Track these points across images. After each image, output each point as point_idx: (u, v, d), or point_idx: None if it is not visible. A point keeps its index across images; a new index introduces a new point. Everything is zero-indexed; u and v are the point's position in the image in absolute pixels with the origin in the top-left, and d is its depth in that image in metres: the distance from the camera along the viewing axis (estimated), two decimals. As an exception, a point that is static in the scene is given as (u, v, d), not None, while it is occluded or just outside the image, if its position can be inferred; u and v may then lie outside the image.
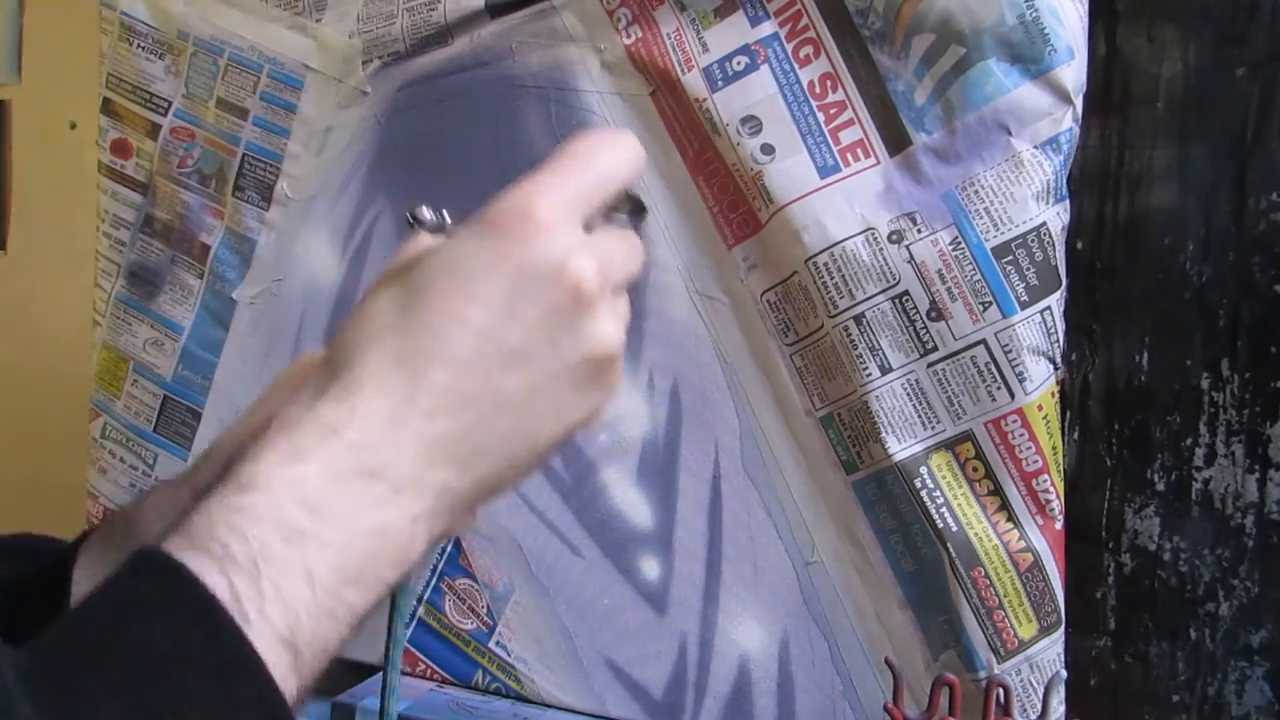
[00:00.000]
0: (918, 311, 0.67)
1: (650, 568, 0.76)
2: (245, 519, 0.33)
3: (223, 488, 0.34)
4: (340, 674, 0.85)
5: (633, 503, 0.77)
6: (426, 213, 0.40)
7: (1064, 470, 0.67)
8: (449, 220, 0.40)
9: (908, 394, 0.67)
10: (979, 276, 0.65)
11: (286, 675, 0.33)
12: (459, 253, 0.38)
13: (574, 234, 0.38)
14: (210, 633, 0.32)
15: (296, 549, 0.34)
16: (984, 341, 0.65)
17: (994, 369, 0.65)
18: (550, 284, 0.37)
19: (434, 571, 0.83)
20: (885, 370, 0.67)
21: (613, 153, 0.41)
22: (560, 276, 0.37)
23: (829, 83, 0.68)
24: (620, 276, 0.41)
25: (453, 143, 0.80)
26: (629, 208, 0.44)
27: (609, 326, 0.39)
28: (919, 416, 0.67)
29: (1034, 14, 0.62)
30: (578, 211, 0.39)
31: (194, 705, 0.31)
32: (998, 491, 0.66)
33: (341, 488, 0.35)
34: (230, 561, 0.33)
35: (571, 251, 0.37)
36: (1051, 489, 0.66)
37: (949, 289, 0.66)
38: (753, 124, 0.69)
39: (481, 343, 0.37)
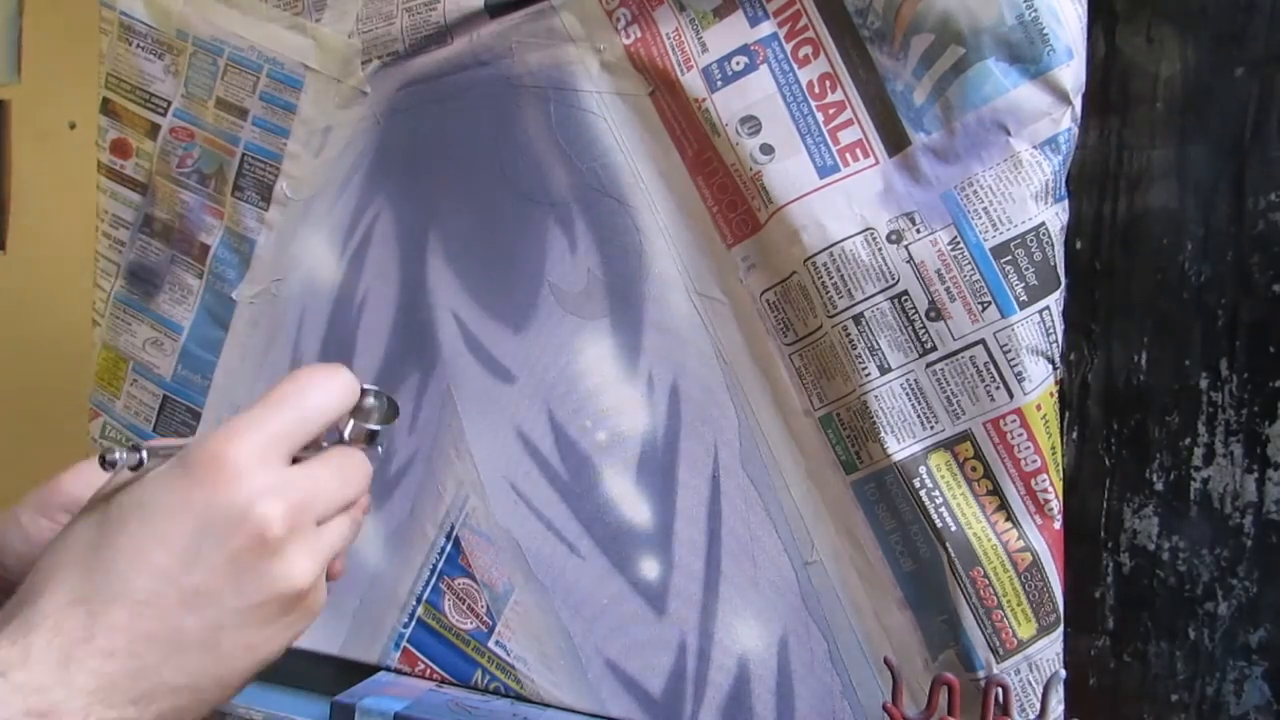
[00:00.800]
0: (916, 311, 0.67)
1: (649, 567, 0.77)
2: None
3: None
4: (340, 674, 0.85)
5: (632, 502, 0.77)
6: (119, 454, 0.40)
7: (1063, 470, 0.67)
8: (145, 456, 0.40)
9: (907, 394, 0.67)
10: (978, 276, 0.65)
11: None
12: (152, 493, 0.39)
13: (265, 477, 0.40)
14: None
15: None
16: (983, 341, 0.65)
17: (993, 369, 0.65)
18: (234, 528, 0.39)
19: (433, 571, 0.83)
20: (884, 370, 0.68)
21: (317, 392, 0.43)
22: (244, 521, 0.39)
23: (828, 83, 0.68)
24: (325, 508, 0.42)
25: (452, 142, 0.80)
26: (380, 416, 0.47)
27: (299, 566, 0.40)
28: (918, 416, 0.67)
29: (1033, 14, 0.63)
30: (276, 452, 0.41)
31: None
32: (996, 491, 0.66)
33: None
34: None
35: (258, 496, 0.39)
36: (1050, 489, 0.66)
37: (948, 289, 0.66)
38: (752, 124, 0.70)
39: (162, 584, 0.38)
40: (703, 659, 0.75)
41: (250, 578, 0.39)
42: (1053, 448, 0.66)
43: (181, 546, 0.38)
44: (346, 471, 0.44)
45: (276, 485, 0.40)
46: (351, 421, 0.46)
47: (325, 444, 0.45)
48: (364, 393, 0.47)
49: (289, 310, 0.87)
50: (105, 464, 0.40)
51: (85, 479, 0.50)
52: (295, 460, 0.43)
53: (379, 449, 0.48)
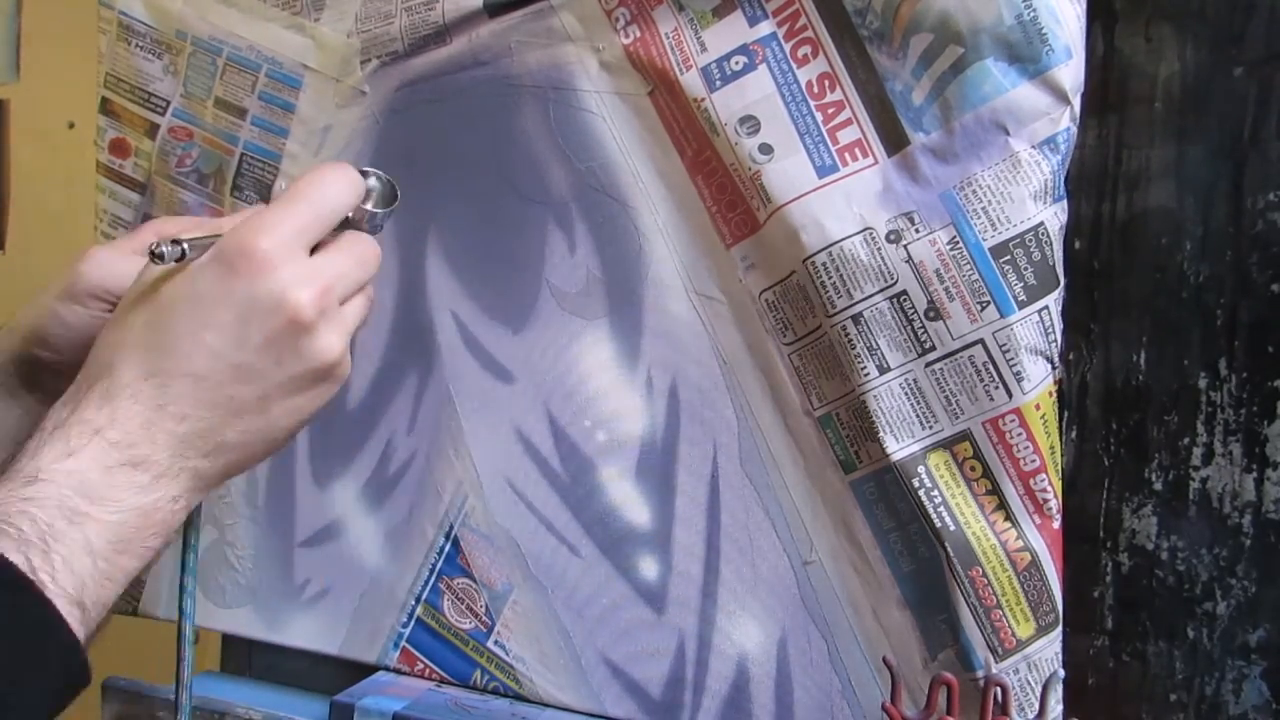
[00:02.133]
0: (915, 311, 0.67)
1: (648, 567, 0.77)
2: (33, 506, 0.41)
3: (10, 480, 0.42)
4: (339, 673, 0.85)
5: (631, 502, 0.77)
6: (165, 248, 0.46)
7: (1062, 470, 0.67)
8: (187, 248, 0.46)
9: (906, 393, 0.67)
10: (977, 276, 0.65)
11: (78, 628, 0.41)
12: (197, 283, 0.46)
13: (293, 267, 0.47)
14: (16, 598, 0.39)
15: (78, 528, 0.41)
16: (982, 341, 0.65)
17: (992, 369, 0.65)
18: (271, 313, 0.46)
19: (432, 571, 0.83)
20: (883, 370, 0.68)
21: (329, 187, 0.50)
22: (280, 307, 0.46)
23: (827, 82, 0.68)
24: (346, 288, 0.50)
25: (451, 142, 0.80)
26: (381, 198, 0.54)
27: (328, 341, 0.48)
28: (917, 416, 0.67)
29: (1032, 14, 0.63)
30: (300, 243, 0.48)
31: (7, 658, 0.38)
32: (995, 491, 0.66)
33: (111, 477, 0.43)
34: (25, 541, 0.40)
35: (289, 285, 0.46)
36: (1049, 488, 0.66)
37: (947, 289, 0.66)
38: (751, 124, 0.70)
39: (215, 361, 0.45)
40: (701, 658, 0.75)
41: (289, 354, 0.46)
42: (1052, 447, 0.66)
43: (229, 330, 0.45)
44: (361, 255, 0.51)
45: (304, 274, 0.47)
46: (357, 206, 0.53)
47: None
48: (365, 174, 0.54)
49: (288, 310, 0.87)
50: (155, 258, 0.45)
51: (107, 267, 0.57)
52: (315, 248, 0.50)
53: (380, 226, 0.55)
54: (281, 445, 0.49)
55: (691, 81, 0.71)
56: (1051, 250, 0.65)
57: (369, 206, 0.54)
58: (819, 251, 0.68)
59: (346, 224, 0.53)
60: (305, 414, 0.49)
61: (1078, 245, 0.71)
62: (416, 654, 0.84)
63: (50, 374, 0.57)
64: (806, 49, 0.69)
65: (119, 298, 0.51)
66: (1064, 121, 0.64)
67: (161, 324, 0.45)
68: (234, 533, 0.89)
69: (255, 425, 0.47)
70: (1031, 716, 0.66)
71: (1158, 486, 0.70)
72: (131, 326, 0.46)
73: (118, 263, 0.56)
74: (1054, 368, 0.66)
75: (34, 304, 0.59)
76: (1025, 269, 0.65)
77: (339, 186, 0.51)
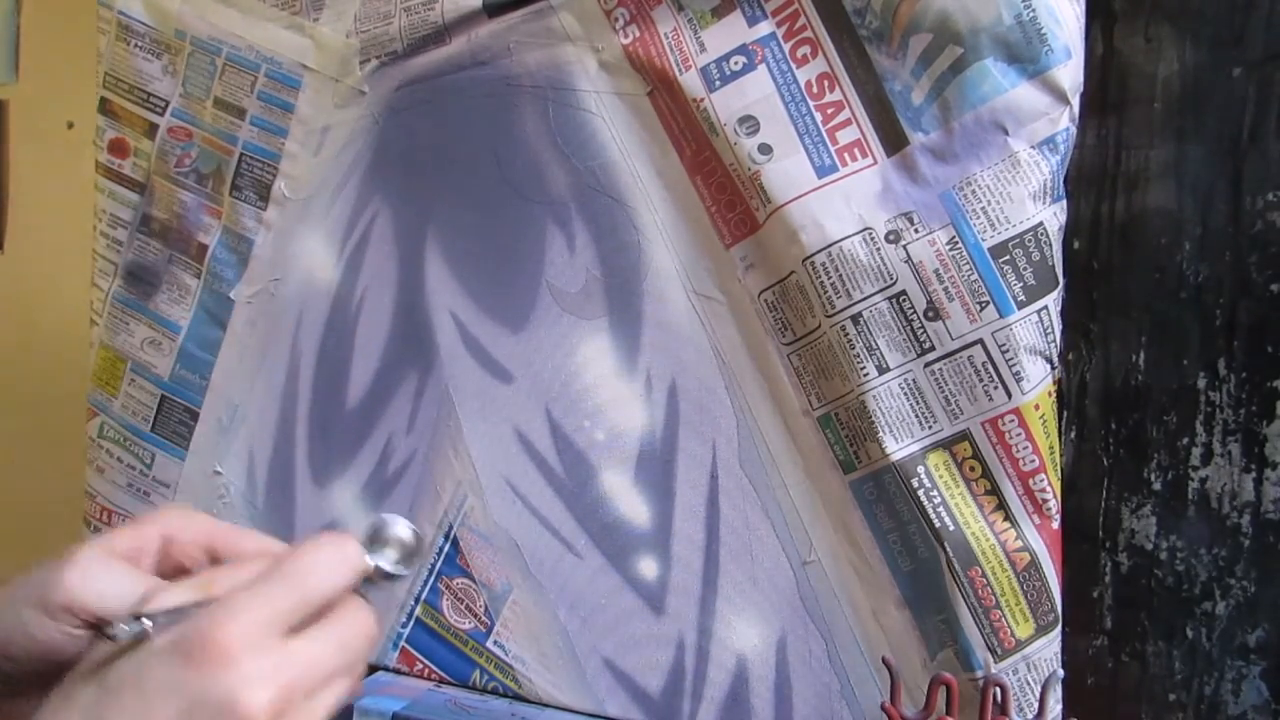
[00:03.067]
0: (915, 311, 0.67)
1: (648, 567, 0.77)
2: None
3: None
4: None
5: (630, 502, 0.77)
6: (121, 626, 0.41)
7: (1061, 470, 0.67)
8: (149, 626, 0.42)
9: (905, 393, 0.67)
10: (976, 276, 0.65)
11: None
12: (148, 669, 0.41)
13: (256, 662, 0.41)
14: None
15: None
16: (981, 341, 0.65)
17: (991, 369, 0.65)
18: (217, 715, 0.40)
19: (432, 571, 0.83)
20: (882, 370, 0.68)
21: (321, 569, 0.44)
22: (227, 708, 0.40)
23: (826, 82, 0.68)
24: (316, 683, 0.43)
25: (450, 142, 0.80)
26: (401, 555, 0.45)
27: None
28: (916, 416, 0.67)
29: (1031, 14, 0.63)
30: (271, 632, 0.42)
31: None
32: (995, 491, 0.67)
33: None
34: None
35: (246, 683, 0.41)
36: (1048, 488, 0.66)
37: (946, 289, 0.66)
38: (750, 124, 0.70)
39: None
40: (701, 659, 0.75)
41: None
42: (1051, 447, 0.66)
43: None
44: (348, 640, 0.45)
45: (266, 670, 0.42)
46: (372, 562, 0.45)
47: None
48: (382, 525, 0.46)
49: (287, 310, 0.87)
50: (106, 637, 0.42)
51: (90, 581, 0.51)
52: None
53: (396, 579, 0.46)
54: None
55: (691, 81, 0.71)
56: (1051, 250, 0.65)
57: (386, 566, 0.45)
58: (818, 251, 0.68)
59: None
60: None
61: (1077, 245, 0.71)
62: (416, 654, 0.84)
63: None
64: (806, 49, 0.69)
65: (96, 616, 0.47)
66: (1063, 121, 0.64)
67: (102, 709, 0.41)
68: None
69: None
70: (1031, 716, 0.66)
71: (1157, 486, 0.70)
72: (73, 706, 0.42)
73: (102, 577, 0.49)
74: (1053, 368, 0.66)
75: (5, 607, 0.53)
76: (1024, 269, 0.65)
77: (332, 566, 0.44)
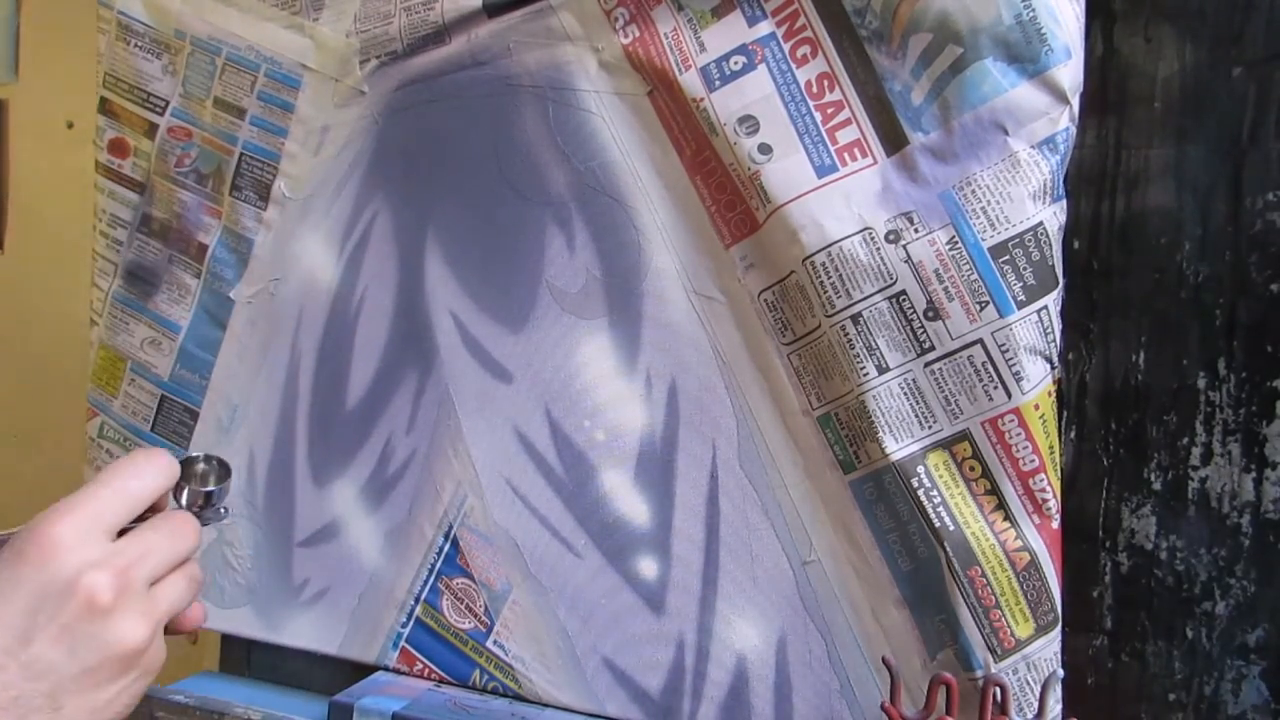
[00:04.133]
0: (915, 311, 0.67)
1: (648, 567, 0.76)
2: None
3: None
4: (338, 673, 0.85)
5: (630, 502, 0.77)
6: None
7: (1061, 469, 0.67)
8: None
9: (905, 393, 0.67)
10: (976, 276, 0.65)
11: None
12: None
13: (90, 550, 0.44)
14: None
15: None
16: (981, 341, 0.65)
17: (991, 368, 0.65)
18: (62, 597, 0.43)
19: (432, 571, 0.83)
20: (882, 370, 0.68)
21: (135, 474, 0.48)
22: (71, 590, 0.43)
23: (826, 82, 0.68)
24: (154, 569, 0.47)
25: (450, 142, 0.80)
26: (216, 474, 0.53)
27: (129, 626, 0.45)
28: (916, 416, 0.67)
29: (1031, 14, 0.63)
30: (98, 527, 0.45)
31: None
32: (995, 491, 0.66)
33: None
34: None
35: (85, 567, 0.44)
36: (1048, 488, 0.66)
37: (946, 288, 0.66)
38: (750, 123, 0.70)
39: (4, 657, 0.42)
40: (701, 658, 0.75)
41: (83, 643, 0.43)
42: (1051, 447, 0.66)
43: (18, 622, 0.43)
44: (173, 532, 0.49)
45: (100, 556, 0.44)
46: (186, 487, 0.52)
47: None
48: (194, 459, 0.53)
49: (287, 310, 0.87)
50: None
51: None
52: (124, 533, 0.47)
53: (222, 510, 0.54)
54: None
55: (690, 81, 0.71)
56: (1050, 250, 0.65)
57: (201, 488, 0.52)
58: (818, 251, 0.68)
59: (177, 508, 0.52)
60: (109, 714, 0.45)
61: (1077, 245, 0.71)
62: (416, 654, 0.84)
63: None
64: (805, 49, 0.69)
65: None
66: (1063, 121, 0.64)
67: None
68: (232, 533, 0.89)
69: None
70: (1030, 716, 0.66)
71: (1157, 486, 0.70)
72: None
73: None
74: (1053, 368, 0.66)
75: None
76: (1024, 269, 0.65)
77: (145, 471, 0.48)
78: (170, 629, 0.49)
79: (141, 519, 0.49)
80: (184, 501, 0.52)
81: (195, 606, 0.51)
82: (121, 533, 0.47)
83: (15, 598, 0.43)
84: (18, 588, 0.43)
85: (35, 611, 0.43)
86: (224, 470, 0.54)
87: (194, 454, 0.53)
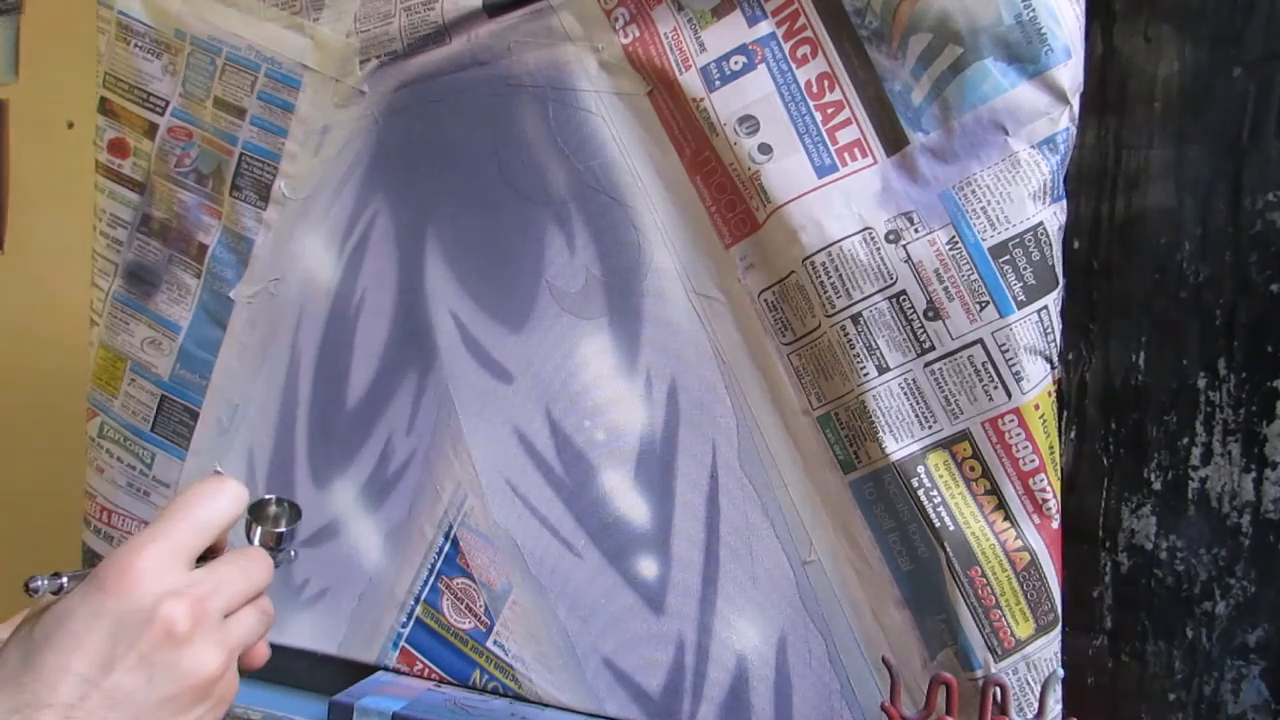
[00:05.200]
0: (915, 311, 0.67)
1: (648, 567, 0.77)
2: None
3: None
4: (338, 673, 0.85)
5: (630, 502, 0.77)
6: (40, 581, 0.46)
7: (1061, 469, 0.67)
8: (65, 581, 0.46)
9: (905, 393, 0.67)
10: (976, 276, 0.65)
11: None
12: (70, 607, 0.45)
13: (168, 580, 0.46)
14: None
15: None
16: (981, 341, 0.65)
17: (991, 368, 0.65)
18: (142, 626, 0.44)
19: (432, 571, 0.83)
20: (882, 370, 0.68)
21: (207, 503, 0.49)
22: (151, 621, 0.44)
23: (826, 82, 0.68)
24: (229, 601, 0.49)
25: (450, 142, 0.80)
26: (288, 516, 0.55)
27: (205, 656, 0.46)
28: (916, 416, 0.67)
29: (1031, 14, 0.63)
30: (176, 558, 0.47)
31: None
32: (995, 491, 0.67)
33: None
34: None
35: (162, 597, 0.45)
36: (1048, 488, 0.66)
37: (946, 288, 0.66)
38: (750, 123, 0.70)
39: (85, 688, 0.43)
40: (701, 658, 0.75)
41: (161, 671, 0.44)
42: (1051, 447, 0.66)
43: (98, 651, 0.44)
44: (247, 567, 0.50)
45: (179, 586, 0.46)
46: (259, 528, 0.54)
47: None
48: (266, 501, 0.55)
49: (287, 310, 0.87)
50: (29, 590, 0.45)
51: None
52: (201, 563, 0.49)
53: (291, 552, 0.56)
54: None
55: (690, 81, 0.71)
56: (1050, 250, 0.65)
57: (272, 529, 0.55)
58: (818, 251, 0.68)
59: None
60: None
61: (1077, 245, 0.71)
62: (416, 654, 0.84)
63: None
64: (805, 49, 0.69)
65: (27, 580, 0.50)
66: (1063, 121, 0.64)
67: (32, 657, 0.44)
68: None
69: None
70: (1030, 716, 0.66)
71: (1157, 486, 0.70)
72: (5, 663, 0.45)
73: None
74: (1053, 368, 0.66)
75: None
76: (1024, 269, 0.65)
77: (216, 500, 0.50)
78: (239, 665, 0.50)
79: (205, 558, 0.50)
80: (256, 541, 0.54)
81: (261, 645, 0.52)
82: (198, 564, 0.49)
83: (96, 626, 0.44)
84: (99, 617, 0.44)
85: (115, 640, 0.44)
86: (295, 513, 0.56)
87: (266, 496, 0.55)
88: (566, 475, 0.78)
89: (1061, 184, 0.65)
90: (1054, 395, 0.66)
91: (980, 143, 0.65)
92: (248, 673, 0.52)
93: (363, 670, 0.85)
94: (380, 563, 0.84)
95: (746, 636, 0.74)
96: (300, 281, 0.87)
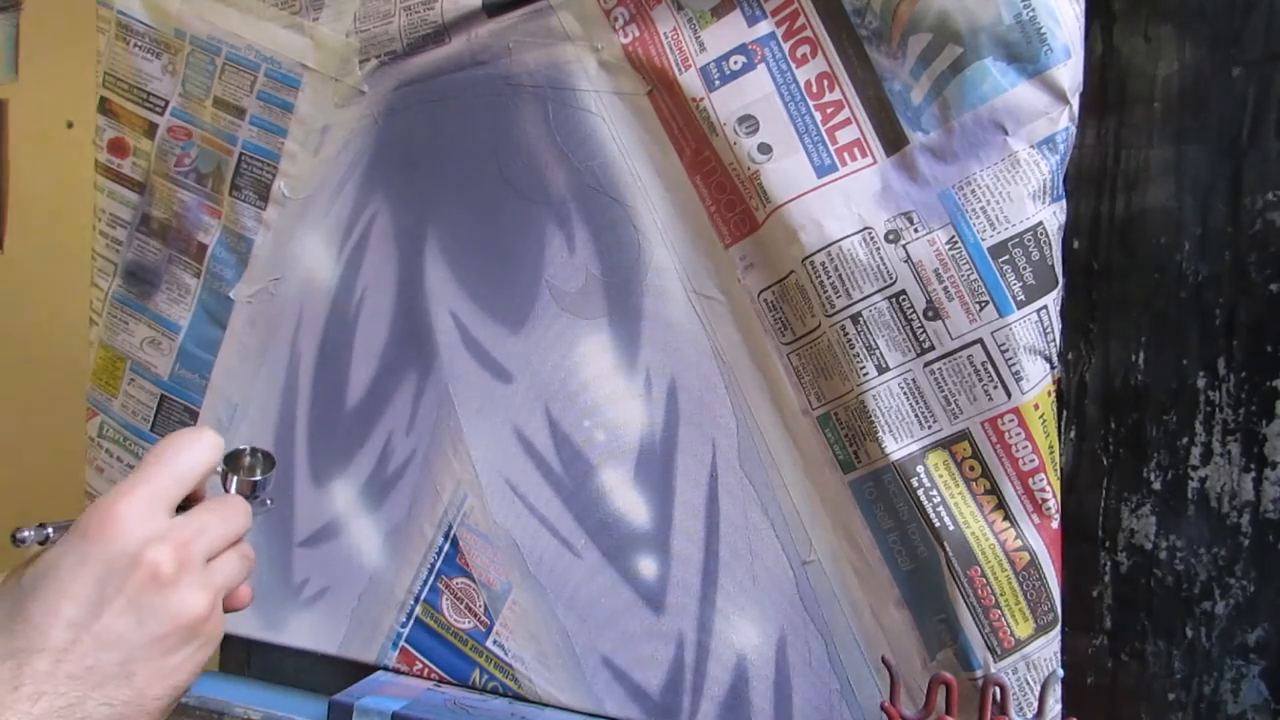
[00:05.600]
0: (914, 311, 0.67)
1: (648, 567, 0.76)
2: None
3: None
4: (338, 673, 0.85)
5: (630, 502, 0.77)
6: (26, 531, 0.47)
7: (1060, 469, 0.67)
8: (51, 531, 0.47)
9: (904, 393, 0.67)
10: (975, 276, 0.65)
11: None
12: (56, 556, 0.46)
13: (151, 525, 0.47)
14: None
15: None
16: (980, 341, 0.65)
17: (990, 368, 0.65)
18: (129, 570, 0.46)
19: (431, 570, 0.83)
20: (882, 369, 0.68)
21: (185, 452, 0.50)
22: (137, 563, 0.46)
23: (826, 82, 0.68)
24: (210, 545, 0.50)
25: (450, 142, 0.80)
26: (262, 465, 0.57)
27: (192, 597, 0.47)
28: (916, 416, 0.67)
29: (1031, 13, 0.63)
30: (157, 505, 0.48)
31: None
32: (994, 490, 0.66)
33: None
34: None
35: (146, 541, 0.46)
36: (1048, 488, 0.66)
37: (946, 288, 0.66)
38: (749, 123, 0.69)
39: (75, 632, 0.45)
40: (700, 658, 0.75)
41: (150, 612, 0.46)
42: (1050, 447, 0.66)
43: (86, 596, 0.45)
44: (226, 513, 0.51)
45: (162, 531, 0.47)
46: (234, 477, 0.55)
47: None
48: (240, 451, 0.57)
49: (287, 309, 0.87)
50: (15, 541, 0.47)
51: None
52: (180, 512, 0.50)
53: (267, 501, 0.57)
54: (157, 714, 0.48)
55: (690, 81, 0.71)
56: (1050, 250, 0.65)
57: (247, 478, 0.56)
58: (818, 251, 0.68)
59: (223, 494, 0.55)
60: (177, 680, 0.47)
61: (1076, 245, 0.71)
62: (415, 653, 0.84)
63: None
64: (805, 49, 0.69)
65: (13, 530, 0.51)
66: (1063, 121, 0.64)
67: (21, 603, 0.45)
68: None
69: (121, 695, 0.45)
70: (1030, 716, 0.66)
71: (1156, 486, 0.70)
72: None
73: None
74: (1053, 367, 0.66)
75: None
76: (1024, 268, 0.65)
77: (193, 449, 0.51)
78: (225, 607, 0.51)
79: (184, 507, 0.51)
80: (232, 490, 0.55)
81: (244, 588, 0.53)
82: (178, 513, 0.50)
83: (82, 573, 0.45)
84: (84, 564, 0.45)
85: (103, 585, 0.45)
86: (269, 462, 0.57)
87: (241, 446, 0.57)
88: (566, 474, 0.78)
89: (1061, 184, 0.65)
90: (1054, 395, 0.66)
91: (980, 142, 0.65)
92: (233, 611, 0.53)
93: (362, 670, 0.85)
94: (380, 562, 0.84)
95: (746, 635, 0.74)
96: (300, 281, 0.87)
